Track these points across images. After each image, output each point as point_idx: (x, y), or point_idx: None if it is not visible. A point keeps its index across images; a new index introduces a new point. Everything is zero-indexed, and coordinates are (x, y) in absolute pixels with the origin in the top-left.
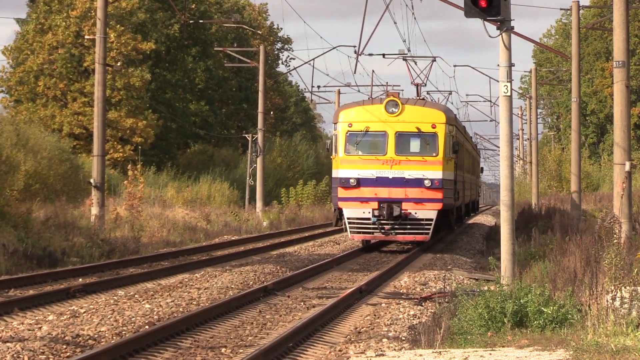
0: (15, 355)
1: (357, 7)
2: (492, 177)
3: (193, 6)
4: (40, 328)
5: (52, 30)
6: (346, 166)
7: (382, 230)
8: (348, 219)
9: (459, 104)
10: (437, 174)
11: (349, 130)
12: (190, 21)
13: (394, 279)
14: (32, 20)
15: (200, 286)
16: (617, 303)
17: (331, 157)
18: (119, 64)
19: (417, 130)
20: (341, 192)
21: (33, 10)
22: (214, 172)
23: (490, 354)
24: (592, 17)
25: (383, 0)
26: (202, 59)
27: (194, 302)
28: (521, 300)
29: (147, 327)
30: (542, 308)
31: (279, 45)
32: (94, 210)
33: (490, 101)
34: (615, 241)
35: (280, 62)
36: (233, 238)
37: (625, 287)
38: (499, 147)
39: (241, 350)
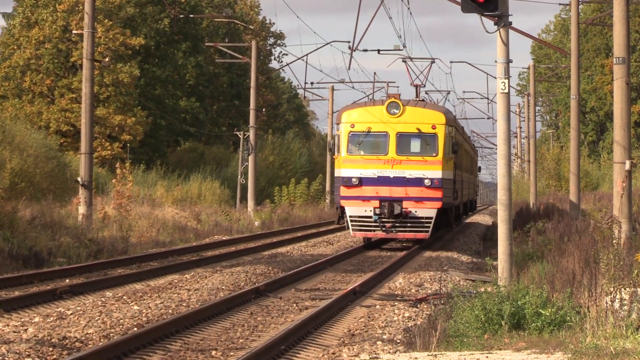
0: (0, 357)
1: (352, 2)
2: (490, 176)
3: (183, 0)
4: (26, 330)
5: (39, 25)
6: (348, 166)
7: (384, 228)
8: (350, 217)
9: (455, 101)
10: (436, 173)
11: (351, 131)
12: (181, 15)
13: (388, 280)
14: (19, 15)
15: (190, 287)
16: (617, 305)
17: (334, 156)
18: (107, 59)
19: (417, 131)
20: (343, 191)
21: (19, 4)
22: (205, 170)
23: (487, 357)
24: (591, 13)
25: None
26: (193, 54)
27: (184, 304)
28: (519, 302)
29: (135, 329)
30: (540, 310)
31: (271, 40)
32: (82, 209)
33: (488, 98)
34: (614, 241)
35: (272, 57)
36: (224, 238)
37: (624, 289)
38: (496, 146)
39: (232, 353)
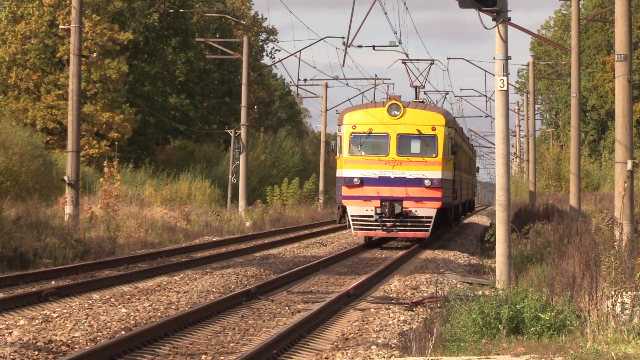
0: None
1: None
2: (488, 175)
3: None
4: (10, 333)
5: (25, 19)
6: (350, 166)
7: (384, 228)
8: (352, 216)
9: (452, 99)
10: (436, 174)
11: (353, 132)
12: (170, 10)
13: (383, 283)
14: (4, 9)
15: (180, 290)
16: (618, 309)
17: (336, 157)
18: (94, 55)
19: (417, 132)
20: (345, 191)
21: None
22: (195, 169)
23: None
24: (592, 8)
25: None
26: (183, 50)
27: (173, 307)
28: (517, 306)
29: (123, 332)
30: (539, 314)
31: (263, 36)
32: (68, 209)
33: (486, 96)
34: (615, 244)
35: (264, 53)
36: (214, 239)
37: (626, 292)
38: (494, 144)
39: (222, 358)
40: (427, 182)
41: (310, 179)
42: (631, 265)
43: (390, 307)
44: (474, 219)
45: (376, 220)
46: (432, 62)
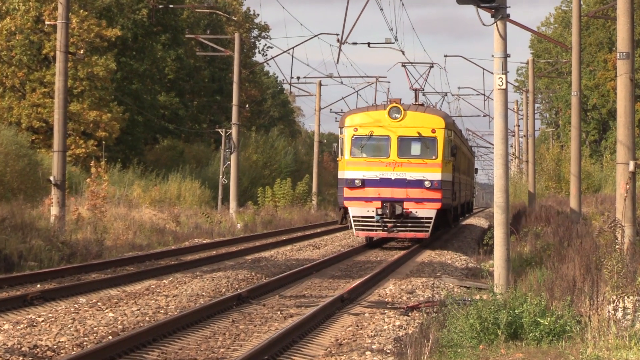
0: None
1: None
2: (486, 176)
3: None
4: None
5: (10, 15)
6: (352, 168)
7: (385, 228)
8: (353, 217)
9: (450, 98)
10: (436, 175)
11: (354, 135)
12: (160, 6)
13: (378, 287)
14: None
15: (169, 293)
16: (620, 314)
17: (337, 159)
18: (81, 51)
19: (418, 135)
20: (347, 192)
21: None
22: (184, 169)
23: None
24: (594, 5)
25: None
26: (172, 47)
27: (162, 311)
28: (516, 311)
29: (110, 337)
30: (539, 319)
31: (255, 32)
32: (54, 210)
33: (484, 95)
34: (617, 247)
35: (256, 51)
36: (204, 241)
37: (628, 297)
38: (492, 145)
39: None
40: (427, 184)
41: (304, 179)
42: (633, 269)
43: (386, 311)
44: (472, 221)
45: (377, 221)
46: (431, 65)
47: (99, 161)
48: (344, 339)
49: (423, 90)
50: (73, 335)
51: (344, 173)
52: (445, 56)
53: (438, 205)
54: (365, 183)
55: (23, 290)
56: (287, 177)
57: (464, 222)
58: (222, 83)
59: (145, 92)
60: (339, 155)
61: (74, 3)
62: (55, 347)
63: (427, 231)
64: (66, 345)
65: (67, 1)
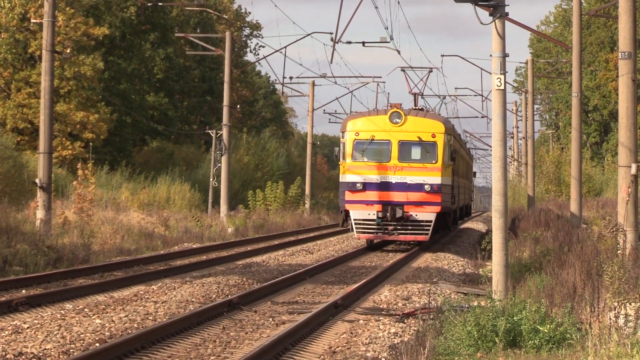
0: None
1: None
2: (484, 179)
3: None
4: None
5: None
6: (353, 171)
7: (386, 231)
8: (354, 220)
9: (447, 99)
10: (436, 179)
11: (356, 139)
12: (149, 3)
13: (373, 293)
14: None
15: (158, 299)
16: (621, 321)
17: (339, 163)
18: (68, 50)
19: (418, 139)
20: (348, 195)
21: None
22: (174, 172)
23: None
24: (595, 3)
25: None
26: (162, 46)
27: (150, 317)
28: (515, 318)
29: (97, 344)
30: (538, 326)
31: (247, 31)
32: (40, 213)
33: (482, 95)
34: (619, 252)
35: (248, 50)
36: (194, 246)
37: (630, 304)
38: (490, 147)
39: None
40: (427, 188)
41: (295, 182)
42: (635, 275)
43: (381, 318)
44: (470, 225)
45: (378, 224)
46: (430, 70)
47: (86, 163)
48: (337, 347)
49: (422, 94)
50: (59, 342)
51: (345, 177)
52: (442, 56)
53: (438, 208)
54: (366, 186)
55: (8, 296)
56: (279, 179)
57: (462, 226)
58: (213, 83)
59: (134, 92)
60: (341, 159)
61: (61, 0)
62: (40, 354)
63: (427, 234)
64: (52, 353)
65: None
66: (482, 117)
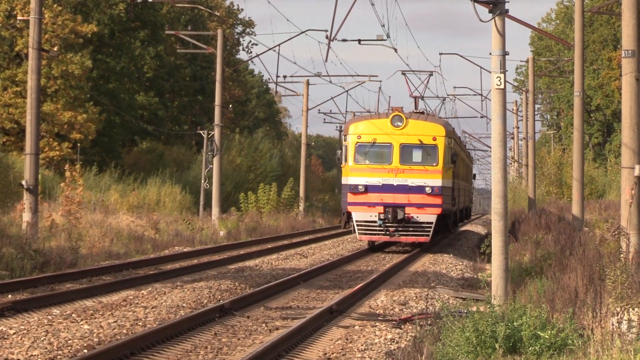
0: None
1: None
2: (483, 181)
3: None
4: None
5: None
6: (355, 174)
7: (387, 232)
8: (356, 221)
9: (446, 101)
10: (437, 182)
11: (357, 142)
12: (138, 0)
13: (369, 298)
14: None
15: (147, 304)
16: (624, 327)
17: (341, 165)
18: (55, 48)
19: (419, 142)
20: (350, 198)
21: None
22: (164, 173)
23: None
24: (598, 0)
25: None
26: (151, 43)
27: (140, 323)
28: (515, 323)
29: (85, 351)
30: (539, 332)
31: (239, 29)
32: (26, 216)
33: (481, 95)
34: (622, 256)
35: (240, 48)
36: (185, 249)
37: (633, 309)
38: (490, 148)
39: None
40: (428, 190)
41: (288, 183)
42: (638, 280)
43: (377, 324)
44: (470, 227)
45: (380, 226)
46: (431, 73)
47: (74, 164)
48: (332, 353)
49: (423, 97)
50: (46, 348)
51: (347, 179)
52: (441, 54)
53: (438, 210)
54: (368, 189)
55: None
56: (272, 181)
57: (462, 229)
58: (204, 82)
59: (123, 91)
60: (343, 162)
61: None
62: None
63: (427, 235)
64: (39, 359)
65: None
66: (481, 117)
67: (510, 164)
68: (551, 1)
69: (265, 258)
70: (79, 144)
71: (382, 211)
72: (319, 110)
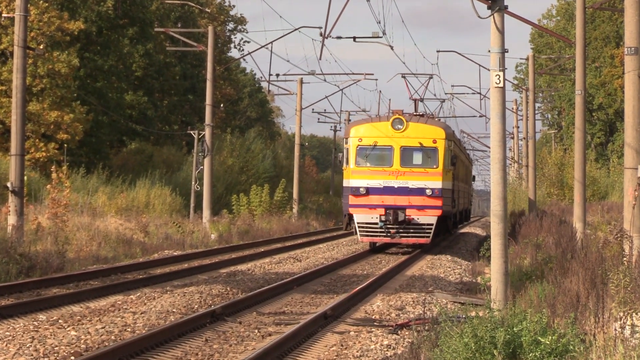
0: None
1: None
2: (482, 183)
3: None
4: None
5: None
6: (357, 176)
7: (388, 234)
8: (358, 223)
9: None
10: (437, 184)
11: (359, 145)
12: None
13: (364, 303)
14: None
15: (136, 310)
16: (627, 332)
17: (343, 168)
18: (41, 46)
19: (419, 145)
20: (352, 200)
21: None
22: (153, 175)
23: None
24: None
25: None
26: (140, 41)
27: (129, 329)
28: (514, 329)
29: (72, 358)
30: (539, 338)
31: (230, 26)
32: (11, 219)
33: (480, 93)
34: (625, 259)
35: (232, 45)
36: (175, 253)
37: (636, 314)
38: (489, 148)
39: None
40: (428, 192)
41: (281, 185)
42: None
43: (373, 329)
44: (469, 229)
45: (381, 227)
46: (431, 76)
47: (61, 166)
48: None
49: (423, 99)
50: (32, 355)
51: (349, 181)
52: (438, 52)
53: (439, 212)
54: (369, 191)
55: None
56: (265, 183)
57: (461, 231)
58: (195, 81)
59: (111, 90)
60: (344, 164)
61: None
62: None
63: (428, 237)
64: None
65: None
66: (480, 116)
67: (510, 164)
68: None
69: (258, 262)
70: (65, 145)
71: (383, 213)
72: (313, 109)
